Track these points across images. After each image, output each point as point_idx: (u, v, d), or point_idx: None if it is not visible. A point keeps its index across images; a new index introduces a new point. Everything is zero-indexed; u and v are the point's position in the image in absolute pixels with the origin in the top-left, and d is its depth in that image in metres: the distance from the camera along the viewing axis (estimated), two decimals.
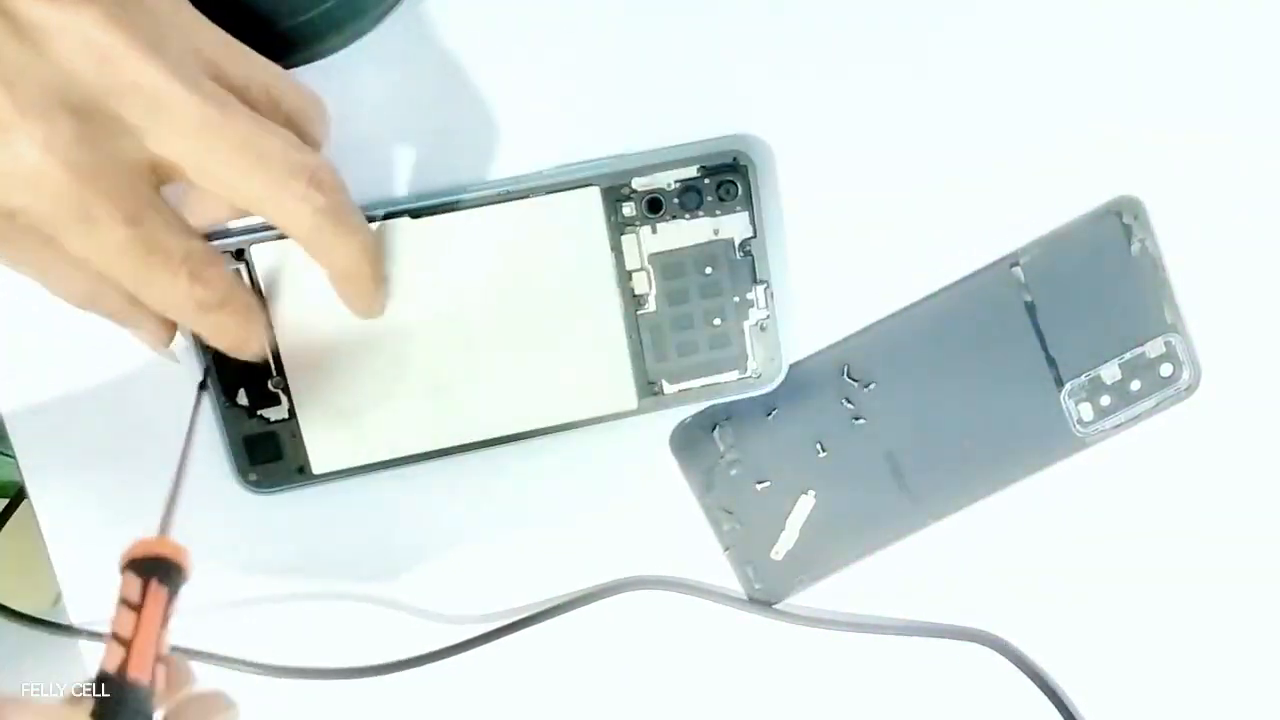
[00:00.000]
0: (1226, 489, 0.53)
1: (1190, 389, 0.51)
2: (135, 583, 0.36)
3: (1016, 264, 0.50)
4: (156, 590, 0.36)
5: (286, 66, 0.42)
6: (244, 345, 0.40)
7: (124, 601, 0.36)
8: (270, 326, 0.46)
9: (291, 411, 0.47)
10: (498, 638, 0.51)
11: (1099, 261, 0.50)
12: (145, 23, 0.34)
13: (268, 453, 0.48)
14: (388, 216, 0.45)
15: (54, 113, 0.32)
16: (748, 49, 0.47)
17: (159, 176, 0.36)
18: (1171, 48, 0.48)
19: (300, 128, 0.39)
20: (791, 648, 0.53)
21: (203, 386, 0.46)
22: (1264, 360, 0.52)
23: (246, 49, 0.38)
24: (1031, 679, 0.53)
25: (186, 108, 0.34)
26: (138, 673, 0.35)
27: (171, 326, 0.41)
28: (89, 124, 0.33)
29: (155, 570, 0.37)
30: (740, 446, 0.51)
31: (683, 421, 0.50)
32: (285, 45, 0.43)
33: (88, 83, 0.33)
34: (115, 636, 0.35)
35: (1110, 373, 0.51)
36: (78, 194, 0.33)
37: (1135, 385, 0.51)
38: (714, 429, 0.50)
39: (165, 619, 0.36)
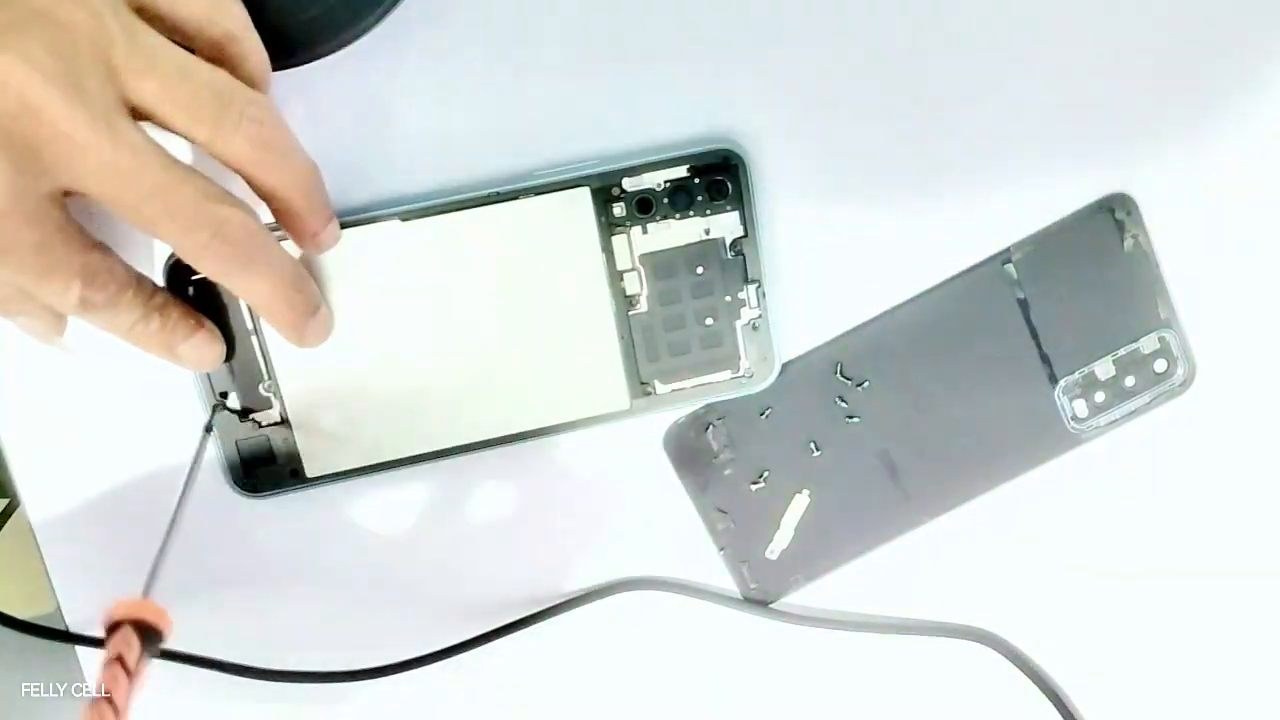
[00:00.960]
0: (1221, 484, 0.52)
1: (1184, 384, 0.51)
2: (135, 644, 0.38)
3: (1009, 261, 0.49)
4: (143, 657, 0.38)
5: (282, 67, 0.43)
6: (170, 350, 0.43)
7: (119, 661, 0.37)
8: (258, 329, 0.46)
9: (284, 415, 0.47)
10: (494, 639, 0.51)
11: (1092, 258, 0.50)
12: (66, 60, 0.34)
13: (261, 456, 0.48)
14: (377, 220, 0.45)
15: None
16: (736, 48, 0.47)
17: (70, 197, 0.36)
18: (1163, 43, 0.48)
19: (235, 65, 0.39)
20: (787, 647, 0.53)
21: (208, 430, 0.47)
22: (1258, 355, 0.51)
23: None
24: (1028, 676, 0.53)
25: (101, 156, 0.34)
26: None
27: (62, 319, 0.42)
28: (11, 168, 0.33)
29: (141, 633, 0.38)
30: (734, 446, 0.51)
31: (676, 422, 0.50)
32: (280, 47, 0.42)
33: (3, 125, 0.33)
34: (108, 700, 0.36)
35: (1104, 369, 0.51)
36: None
37: (1129, 381, 0.51)
38: (708, 429, 0.50)
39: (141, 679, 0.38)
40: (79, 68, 0.34)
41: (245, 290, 0.41)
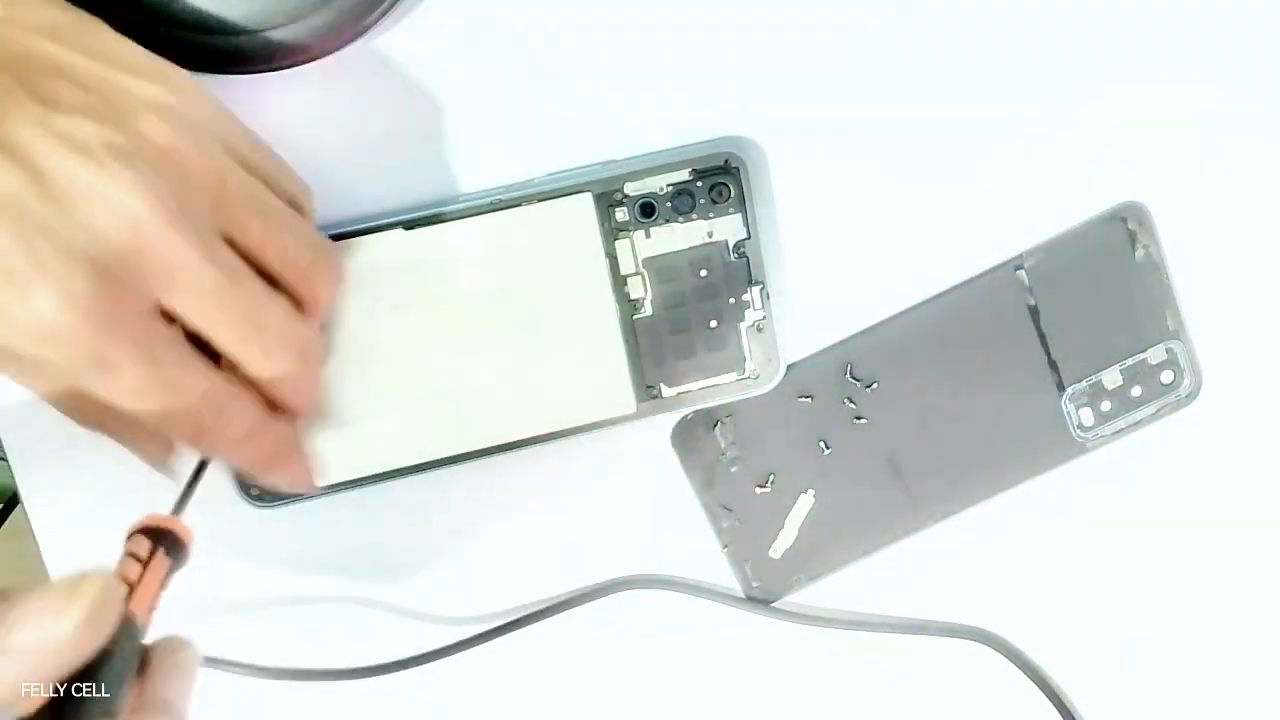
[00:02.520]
0: (1224, 497, 0.52)
1: (1191, 396, 0.51)
2: (145, 543, 0.38)
3: (1021, 267, 0.49)
4: (161, 557, 0.38)
5: (278, 69, 0.42)
6: (285, 477, 0.44)
7: (131, 554, 0.37)
8: None
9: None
10: (496, 636, 0.51)
11: (1103, 267, 0.49)
12: (175, 188, 0.34)
13: None
14: (381, 229, 0.45)
15: (74, 270, 0.33)
16: (738, 50, 0.46)
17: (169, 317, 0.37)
18: (1179, 54, 0.48)
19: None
20: (789, 646, 0.53)
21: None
22: (1265, 369, 0.51)
23: (265, 194, 0.39)
24: (1030, 677, 0.53)
25: (201, 277, 0.35)
26: (137, 609, 0.36)
27: (172, 446, 0.43)
28: (107, 279, 0.33)
29: (162, 541, 0.38)
30: (741, 444, 0.50)
31: (684, 418, 0.50)
32: (277, 48, 0.42)
33: (111, 242, 0.33)
34: (121, 578, 0.37)
35: (1111, 378, 0.50)
36: (95, 344, 0.34)
37: (1136, 391, 0.50)
38: (715, 426, 0.50)
39: (163, 585, 0.38)
40: (189, 195, 0.35)
41: (293, 406, 0.42)
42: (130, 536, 0.38)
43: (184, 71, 0.37)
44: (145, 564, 0.37)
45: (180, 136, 0.35)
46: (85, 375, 0.35)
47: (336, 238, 0.45)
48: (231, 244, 0.37)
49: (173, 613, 0.38)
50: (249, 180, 0.38)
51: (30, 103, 0.33)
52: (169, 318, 0.36)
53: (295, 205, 0.40)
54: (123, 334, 0.34)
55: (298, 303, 0.40)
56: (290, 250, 0.39)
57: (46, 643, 0.32)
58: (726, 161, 0.46)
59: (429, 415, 0.47)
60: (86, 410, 0.39)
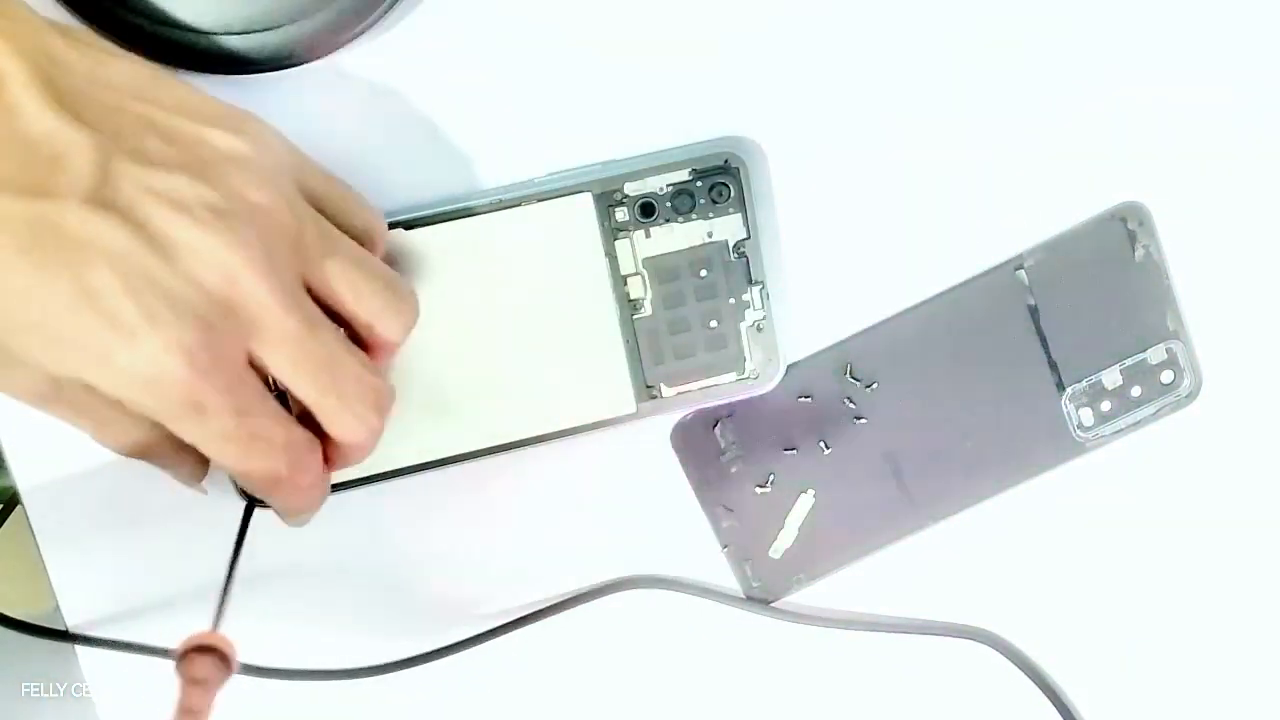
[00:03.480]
0: (1225, 497, 0.52)
1: (1191, 396, 0.51)
2: (205, 665, 0.38)
3: (1021, 267, 0.49)
4: (219, 676, 0.39)
5: (277, 69, 0.42)
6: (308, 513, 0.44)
7: (193, 680, 0.38)
8: None
9: None
10: (496, 636, 0.51)
11: (1103, 266, 0.49)
12: (264, 240, 0.36)
13: None
14: None
15: (182, 319, 0.34)
16: (738, 50, 0.46)
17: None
18: (1180, 54, 0.48)
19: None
20: (789, 646, 0.53)
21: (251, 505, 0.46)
22: (1265, 369, 0.51)
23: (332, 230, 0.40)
24: (1030, 677, 0.53)
25: (285, 326, 0.36)
26: None
27: (206, 465, 0.43)
28: (209, 330, 0.35)
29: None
30: (741, 444, 0.50)
31: (684, 418, 0.50)
32: (277, 48, 0.42)
33: (210, 294, 0.35)
34: (190, 712, 0.37)
35: (1111, 378, 0.50)
36: (194, 390, 0.35)
37: (1136, 391, 0.50)
38: (715, 426, 0.50)
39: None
40: (274, 246, 0.36)
41: (363, 457, 0.42)
42: (183, 658, 0.38)
43: (256, 117, 0.39)
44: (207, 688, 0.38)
45: (263, 189, 0.36)
46: (177, 421, 0.36)
47: None
48: (309, 289, 0.38)
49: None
50: (322, 222, 0.39)
51: (128, 162, 0.34)
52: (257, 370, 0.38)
53: (367, 236, 0.42)
54: (219, 382, 0.35)
55: (369, 346, 0.41)
56: (365, 290, 0.40)
57: None
58: (726, 161, 0.46)
59: (429, 415, 0.47)
60: (131, 442, 0.40)
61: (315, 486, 0.41)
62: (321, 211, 0.40)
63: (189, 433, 0.36)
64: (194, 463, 0.42)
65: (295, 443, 0.39)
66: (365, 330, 0.40)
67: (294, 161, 0.40)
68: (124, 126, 0.35)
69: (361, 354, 0.40)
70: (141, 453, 0.41)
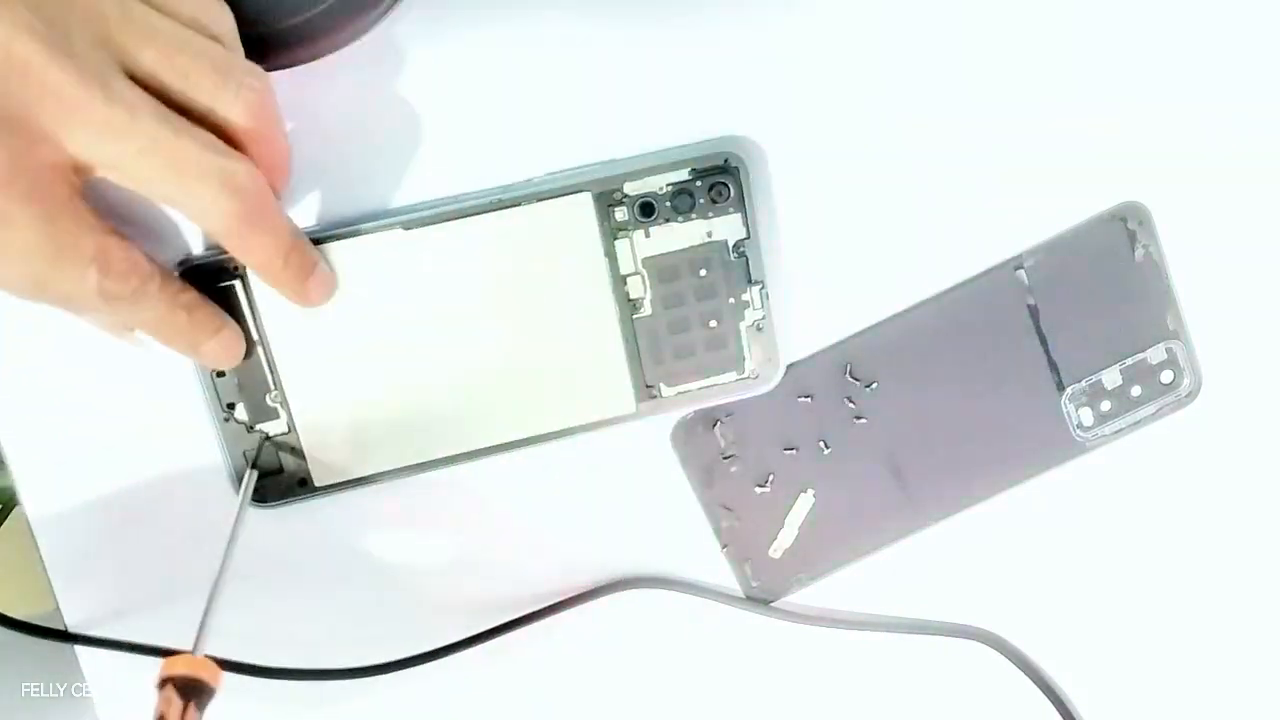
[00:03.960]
0: (1225, 496, 0.52)
1: (1191, 396, 0.51)
2: (179, 703, 0.38)
3: (1021, 267, 0.49)
4: (194, 714, 0.38)
5: (277, 67, 0.42)
6: (195, 347, 0.42)
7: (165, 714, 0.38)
8: (264, 340, 0.46)
9: (291, 425, 0.47)
10: (495, 636, 0.51)
11: (1103, 266, 0.49)
12: (54, 21, 0.34)
13: (268, 467, 0.48)
14: (380, 229, 0.45)
15: None
16: (738, 50, 0.46)
17: (79, 176, 0.36)
18: (1180, 55, 0.48)
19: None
20: (789, 646, 0.53)
21: (253, 466, 0.47)
22: (1265, 369, 0.51)
23: None
24: (1030, 677, 0.53)
25: (94, 113, 0.34)
26: None
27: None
28: (4, 132, 0.33)
29: (191, 691, 0.39)
30: (741, 444, 0.50)
31: (684, 418, 0.50)
32: (277, 47, 0.42)
33: (2, 93, 0.33)
34: None
35: (1111, 378, 0.50)
36: None
37: (1136, 391, 0.50)
38: (715, 425, 0.50)
39: None
40: (69, 29, 0.34)
41: (253, 249, 0.40)
42: (161, 686, 0.38)
43: None
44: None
45: None
46: None
47: (335, 238, 0.45)
48: (133, 80, 0.36)
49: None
50: (134, 7, 0.36)
51: None
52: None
53: (196, 24, 0.38)
54: (19, 187, 0.34)
55: (229, 139, 0.38)
56: (191, 71, 0.37)
57: None
58: (726, 161, 0.46)
59: (429, 415, 0.47)
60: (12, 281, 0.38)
61: (147, 278, 0.39)
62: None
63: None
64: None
65: (105, 246, 0.37)
66: (207, 116, 0.38)
67: None
68: None
69: (203, 133, 0.37)
70: (38, 291, 0.38)
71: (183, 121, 0.37)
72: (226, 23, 0.40)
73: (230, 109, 0.38)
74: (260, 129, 0.39)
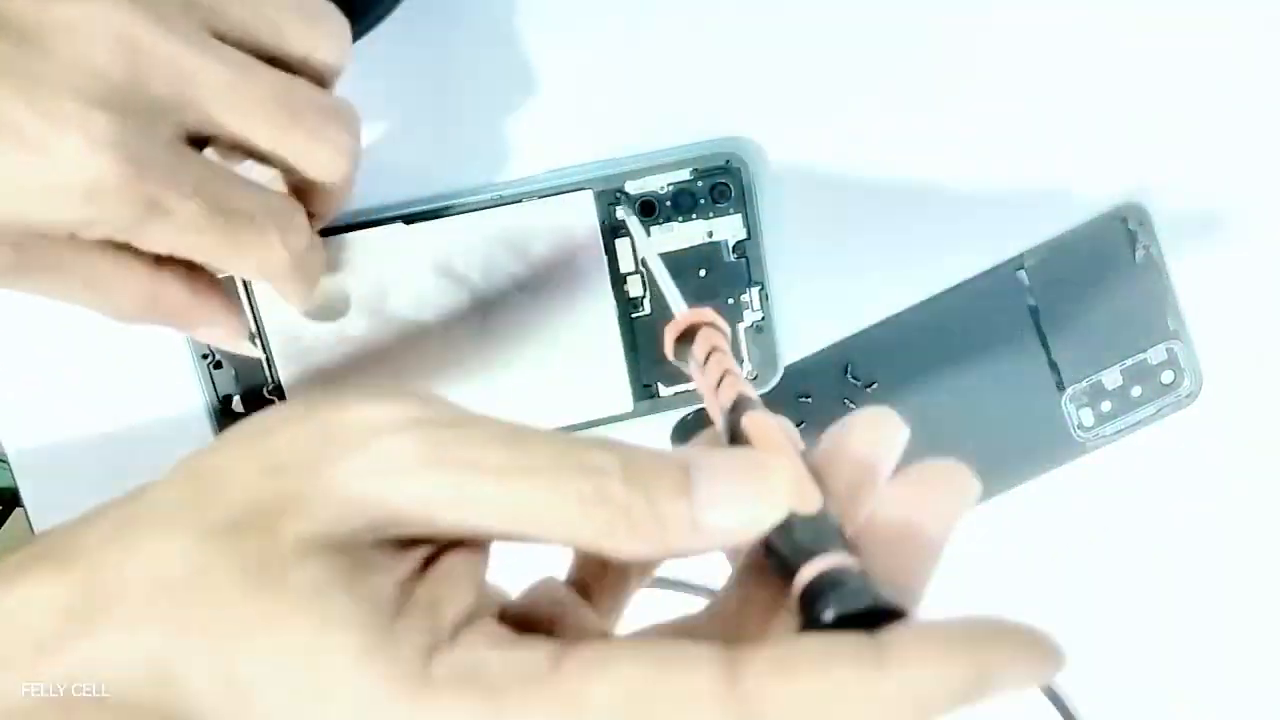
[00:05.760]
0: (1226, 496, 0.52)
1: (1191, 396, 0.51)
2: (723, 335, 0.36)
3: (1021, 267, 0.49)
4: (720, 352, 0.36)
5: None
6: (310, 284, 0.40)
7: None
8: (263, 333, 0.46)
9: None
10: None
11: (1103, 267, 0.49)
12: (148, 2, 0.32)
13: None
14: (381, 223, 0.45)
15: (86, 112, 0.31)
16: (739, 50, 0.46)
17: (198, 145, 0.35)
18: (1179, 55, 0.48)
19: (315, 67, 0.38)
20: None
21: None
22: (1265, 369, 0.51)
23: None
24: None
25: (211, 75, 0.33)
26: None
27: (239, 314, 0.41)
28: (123, 113, 0.31)
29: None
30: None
31: (683, 418, 0.50)
32: None
33: (113, 72, 0.31)
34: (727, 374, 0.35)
35: (1111, 378, 0.50)
36: (138, 185, 0.32)
37: (1136, 391, 0.50)
38: None
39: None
40: (159, 3, 0.33)
41: (344, 189, 0.39)
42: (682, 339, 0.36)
43: None
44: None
45: None
46: (140, 228, 0.33)
47: (336, 231, 0.45)
48: (223, 40, 0.34)
49: None
50: None
51: None
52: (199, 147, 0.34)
53: None
54: (158, 169, 0.32)
55: (316, 82, 0.37)
56: (280, 21, 0.36)
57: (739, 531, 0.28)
58: (727, 161, 0.46)
59: None
60: (136, 293, 0.36)
61: (312, 248, 0.38)
62: None
63: (159, 238, 0.33)
64: (217, 304, 0.39)
65: (273, 205, 0.36)
66: (301, 65, 0.36)
67: None
68: None
69: (306, 80, 0.36)
70: (150, 305, 0.37)
71: (285, 73, 0.36)
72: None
73: (327, 52, 0.37)
74: (348, 68, 0.38)
